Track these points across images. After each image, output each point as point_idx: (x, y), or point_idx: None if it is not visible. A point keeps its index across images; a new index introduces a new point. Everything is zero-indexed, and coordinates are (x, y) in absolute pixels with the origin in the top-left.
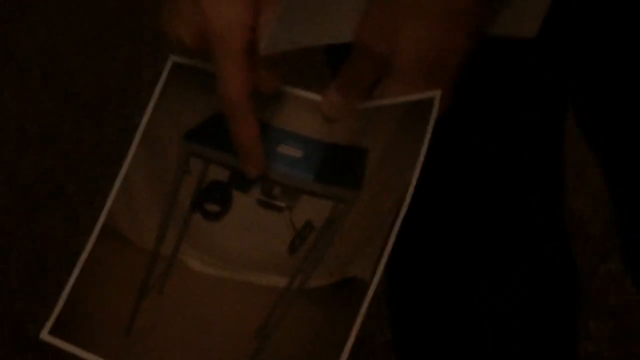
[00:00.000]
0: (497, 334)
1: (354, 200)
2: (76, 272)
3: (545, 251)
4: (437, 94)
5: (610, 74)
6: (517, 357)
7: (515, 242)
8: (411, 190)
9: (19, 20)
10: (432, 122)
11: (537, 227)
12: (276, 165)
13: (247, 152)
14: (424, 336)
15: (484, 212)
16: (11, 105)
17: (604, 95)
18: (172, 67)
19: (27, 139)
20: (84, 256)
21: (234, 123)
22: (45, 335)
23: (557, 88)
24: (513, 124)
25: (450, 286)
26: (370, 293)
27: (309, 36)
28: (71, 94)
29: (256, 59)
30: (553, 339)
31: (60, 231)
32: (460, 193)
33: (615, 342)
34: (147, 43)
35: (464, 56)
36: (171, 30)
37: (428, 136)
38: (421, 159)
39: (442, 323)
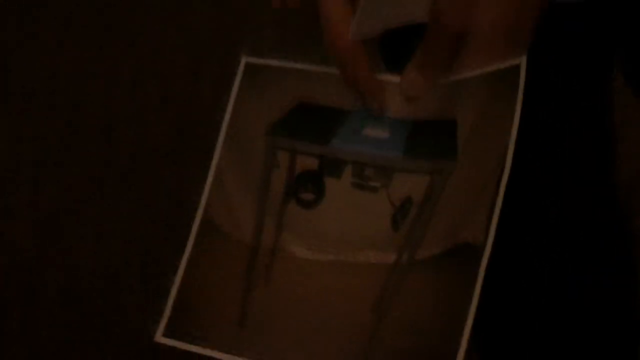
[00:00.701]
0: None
1: (450, 170)
2: (181, 270)
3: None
4: (522, 60)
5: None
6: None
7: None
8: (511, 153)
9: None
10: (522, 87)
11: (589, 198)
12: (364, 148)
13: (369, 88)
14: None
15: (535, 182)
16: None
17: None
18: (245, 67)
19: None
20: (186, 254)
21: (348, 66)
22: (159, 337)
23: (603, 49)
24: (561, 88)
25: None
26: (486, 255)
27: (390, 19)
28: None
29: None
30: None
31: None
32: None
33: None
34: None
35: (537, 19)
36: None
37: (520, 101)
38: (516, 122)
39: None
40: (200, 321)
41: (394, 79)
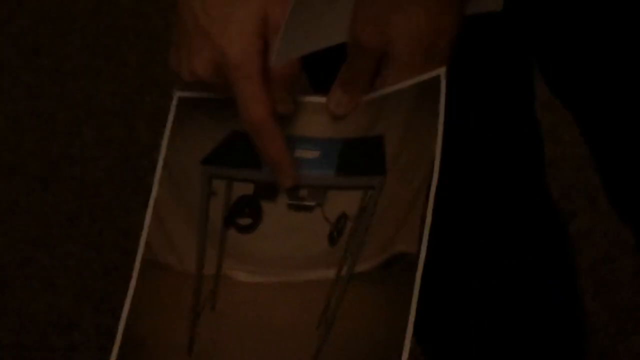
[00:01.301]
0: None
1: (381, 185)
2: (126, 307)
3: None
4: (442, 71)
5: (572, 33)
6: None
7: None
8: (437, 162)
9: None
10: (443, 97)
11: (522, 193)
12: (297, 170)
13: (280, 166)
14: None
15: (470, 185)
16: None
17: (569, 53)
18: (178, 101)
19: None
20: (130, 291)
21: (262, 141)
22: None
23: (523, 54)
24: (488, 94)
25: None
26: (421, 263)
27: (311, 43)
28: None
29: (272, 82)
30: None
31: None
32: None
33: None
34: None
35: (455, 36)
36: (183, 69)
37: (442, 110)
38: (440, 132)
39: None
40: (150, 352)
41: (321, 99)
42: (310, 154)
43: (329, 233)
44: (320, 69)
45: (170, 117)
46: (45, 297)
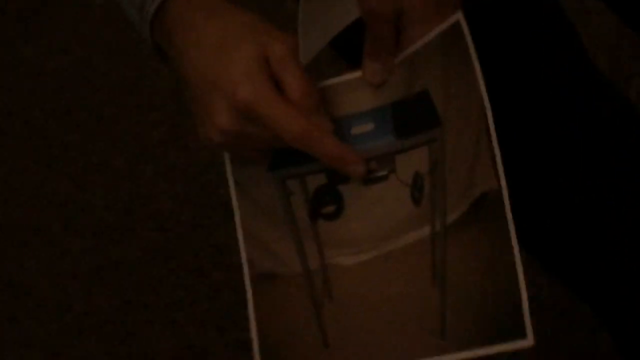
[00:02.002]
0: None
1: (442, 135)
2: (253, 324)
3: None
4: (458, 16)
5: None
6: None
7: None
8: (486, 98)
9: None
10: (469, 38)
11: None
12: (359, 146)
13: (343, 162)
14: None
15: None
16: None
17: None
18: None
19: None
20: (251, 306)
21: (314, 150)
22: None
23: None
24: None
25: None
26: (506, 194)
27: (330, 29)
28: None
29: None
30: None
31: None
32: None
33: None
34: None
35: None
36: (211, 133)
37: (473, 50)
38: (478, 69)
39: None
40: (289, 355)
41: (357, 74)
42: (366, 127)
43: (410, 194)
44: (349, 42)
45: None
46: (170, 333)
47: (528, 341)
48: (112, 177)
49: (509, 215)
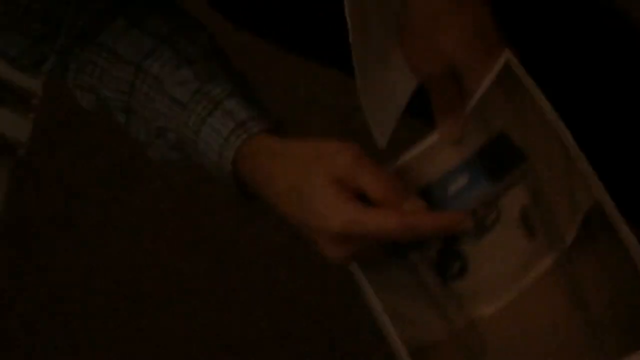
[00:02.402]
0: None
1: (532, 167)
2: None
3: None
4: (507, 55)
5: None
6: None
7: None
8: (560, 124)
9: None
10: (524, 75)
11: None
12: (459, 202)
13: (452, 228)
14: None
15: None
16: None
17: None
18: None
19: None
20: None
21: (421, 232)
22: None
23: None
24: None
25: None
26: (612, 208)
27: (395, 106)
28: None
29: None
30: None
31: None
32: None
33: None
34: None
35: (494, 15)
36: (333, 257)
37: (533, 84)
38: (544, 101)
39: None
40: None
41: (434, 137)
42: (461, 182)
43: (522, 230)
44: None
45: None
46: None
47: None
48: None
49: (619, 226)
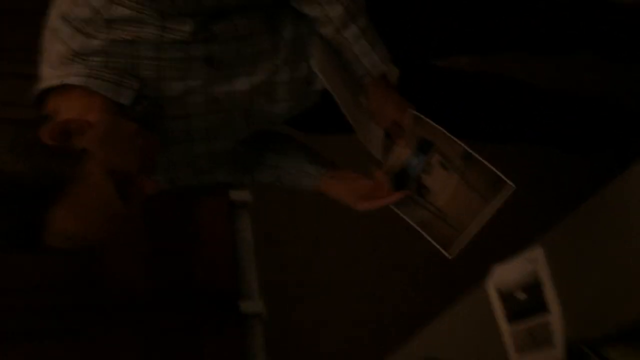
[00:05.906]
0: None
1: (437, 147)
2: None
3: None
4: (411, 112)
5: None
6: None
7: None
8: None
9: None
10: (422, 117)
11: None
12: (419, 167)
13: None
14: None
15: None
16: None
17: None
18: None
19: None
20: None
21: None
22: None
23: None
24: None
25: None
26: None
27: (378, 135)
28: None
29: None
30: None
31: None
32: None
33: None
34: None
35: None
36: None
37: (430, 122)
38: (438, 127)
39: None
40: None
41: (400, 147)
42: (415, 160)
43: (442, 169)
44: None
45: None
46: None
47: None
48: None
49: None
